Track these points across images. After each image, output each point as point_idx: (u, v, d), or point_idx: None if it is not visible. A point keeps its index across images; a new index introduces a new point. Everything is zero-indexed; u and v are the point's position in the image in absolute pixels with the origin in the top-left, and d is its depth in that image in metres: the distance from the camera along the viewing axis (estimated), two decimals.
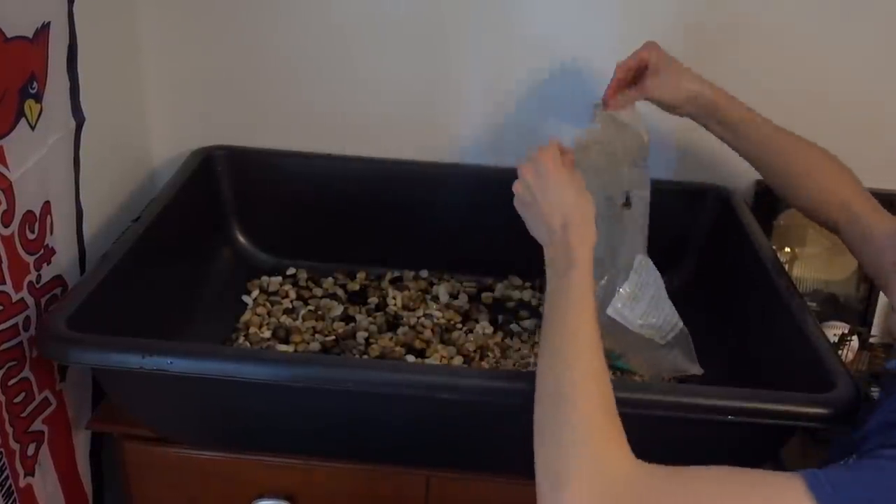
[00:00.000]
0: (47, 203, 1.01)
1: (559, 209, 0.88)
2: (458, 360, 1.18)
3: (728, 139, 1.10)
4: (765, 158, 1.08)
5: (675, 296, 1.12)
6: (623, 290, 1.07)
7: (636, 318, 1.08)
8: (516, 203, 0.94)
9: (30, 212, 0.97)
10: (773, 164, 1.07)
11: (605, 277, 1.09)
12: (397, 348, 1.20)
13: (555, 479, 0.69)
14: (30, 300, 0.98)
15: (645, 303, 1.08)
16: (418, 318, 1.26)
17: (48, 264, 1.02)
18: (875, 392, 1.19)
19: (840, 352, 1.19)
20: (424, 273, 1.37)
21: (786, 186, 1.08)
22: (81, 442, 1.13)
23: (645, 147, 1.11)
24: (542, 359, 0.79)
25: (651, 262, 1.10)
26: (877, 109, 1.28)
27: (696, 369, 1.11)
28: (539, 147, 0.94)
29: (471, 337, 1.23)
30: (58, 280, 1.04)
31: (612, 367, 1.14)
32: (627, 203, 1.10)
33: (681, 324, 1.10)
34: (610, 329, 1.06)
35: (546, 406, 0.75)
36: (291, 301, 1.29)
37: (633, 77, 1.11)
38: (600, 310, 1.01)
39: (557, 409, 0.73)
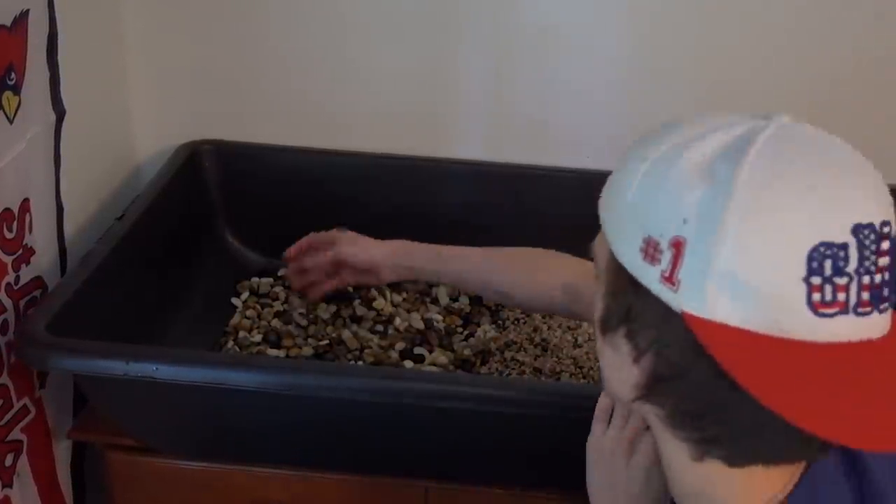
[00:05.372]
0: (26, 200, 1.00)
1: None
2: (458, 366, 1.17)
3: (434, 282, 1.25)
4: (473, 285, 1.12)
5: None
6: None
7: None
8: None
9: (7, 209, 0.95)
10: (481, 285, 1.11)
11: None
12: (394, 354, 1.18)
13: None
14: (7, 303, 0.97)
15: None
16: (416, 321, 1.24)
17: (27, 265, 1.00)
18: None
19: None
20: None
21: (502, 297, 1.11)
22: (62, 452, 1.12)
23: None
24: None
25: None
26: None
27: None
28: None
29: (472, 341, 1.21)
30: (37, 281, 1.03)
31: None
32: None
33: None
34: None
35: None
36: (283, 303, 1.28)
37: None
38: None
39: None
